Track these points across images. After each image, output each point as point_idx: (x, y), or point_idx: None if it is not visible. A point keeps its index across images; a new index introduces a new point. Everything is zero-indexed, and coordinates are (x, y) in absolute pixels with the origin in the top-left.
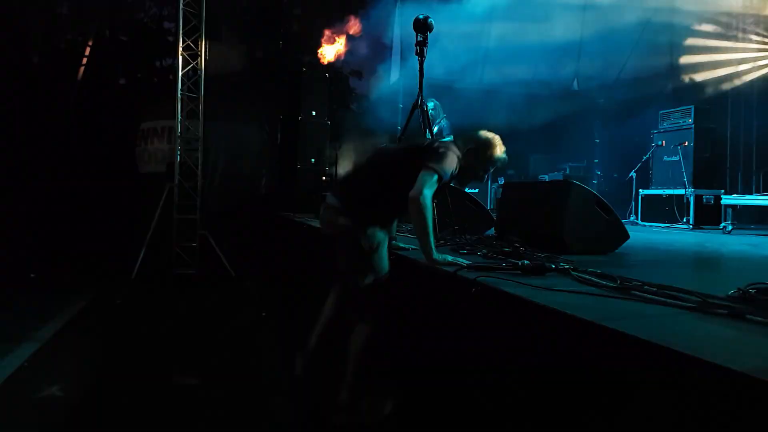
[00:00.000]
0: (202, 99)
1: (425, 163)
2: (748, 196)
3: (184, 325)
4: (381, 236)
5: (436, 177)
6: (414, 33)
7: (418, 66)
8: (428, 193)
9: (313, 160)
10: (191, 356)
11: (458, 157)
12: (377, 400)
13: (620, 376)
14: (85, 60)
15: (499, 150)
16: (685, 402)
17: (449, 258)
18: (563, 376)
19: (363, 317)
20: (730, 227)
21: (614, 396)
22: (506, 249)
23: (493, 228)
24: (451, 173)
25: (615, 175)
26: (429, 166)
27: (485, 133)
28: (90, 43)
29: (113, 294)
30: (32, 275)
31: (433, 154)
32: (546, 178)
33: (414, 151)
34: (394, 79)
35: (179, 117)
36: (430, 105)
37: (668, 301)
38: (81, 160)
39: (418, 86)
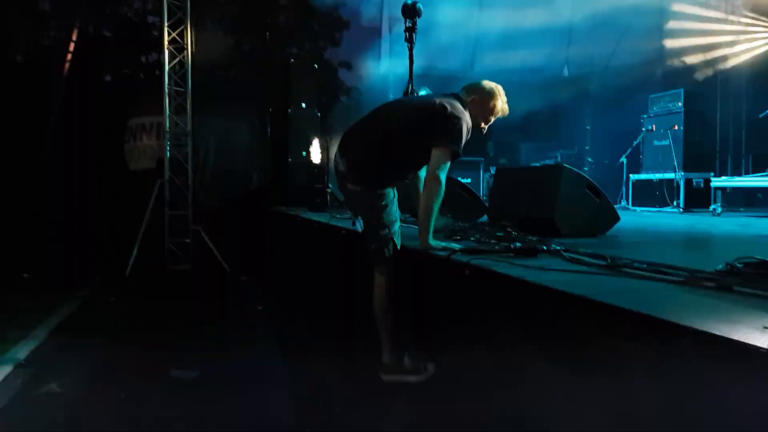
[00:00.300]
0: (189, 93)
1: (439, 138)
2: (737, 178)
3: (180, 320)
4: (390, 195)
5: (451, 153)
6: (403, 19)
7: (408, 53)
8: (443, 176)
9: (303, 153)
10: (188, 351)
11: (467, 119)
12: (419, 360)
13: (612, 348)
14: (69, 57)
15: (501, 100)
16: (676, 369)
17: (442, 243)
18: (557, 350)
19: (379, 269)
20: (719, 209)
21: (607, 366)
22: (498, 234)
23: (485, 215)
24: (466, 136)
25: (606, 161)
26: (444, 145)
27: (487, 84)
28: (74, 39)
29: (108, 291)
30: (25, 275)
31: (446, 128)
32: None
33: (425, 116)
34: (383, 68)
35: (167, 112)
36: (422, 94)
37: (657, 276)
38: (69, 158)
39: (408, 74)
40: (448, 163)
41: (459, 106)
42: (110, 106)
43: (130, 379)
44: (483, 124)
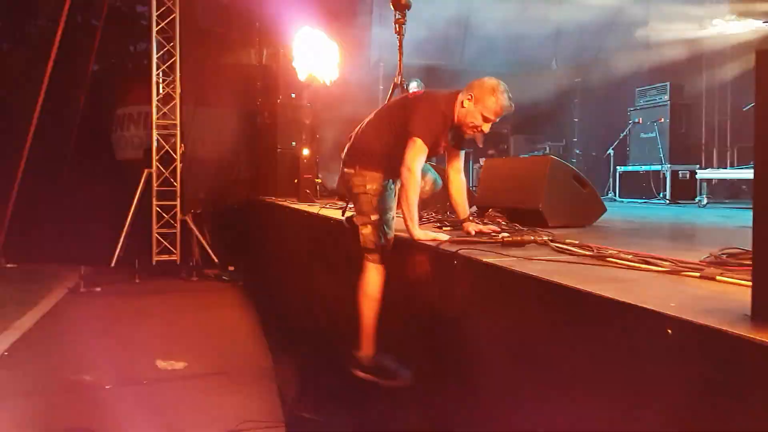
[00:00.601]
0: (178, 83)
1: (409, 127)
2: (721, 170)
3: (169, 311)
4: (383, 182)
5: (420, 143)
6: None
7: (398, 44)
8: (416, 165)
9: (293, 143)
10: (176, 341)
11: (444, 111)
12: (395, 368)
13: (598, 336)
14: (56, 46)
15: (499, 97)
16: (660, 358)
17: (431, 234)
18: (544, 338)
19: (370, 257)
20: (705, 201)
21: (593, 354)
22: (487, 224)
23: (474, 206)
24: (440, 129)
25: (593, 153)
26: (413, 133)
27: (488, 80)
28: (61, 29)
29: (93, 282)
30: (9, 265)
31: (414, 116)
32: None
33: (400, 107)
34: (374, 58)
35: (155, 101)
36: (413, 85)
37: (643, 266)
38: (56, 147)
39: (398, 65)
40: (421, 152)
41: (436, 97)
42: (98, 96)
43: (116, 370)
44: (483, 122)
